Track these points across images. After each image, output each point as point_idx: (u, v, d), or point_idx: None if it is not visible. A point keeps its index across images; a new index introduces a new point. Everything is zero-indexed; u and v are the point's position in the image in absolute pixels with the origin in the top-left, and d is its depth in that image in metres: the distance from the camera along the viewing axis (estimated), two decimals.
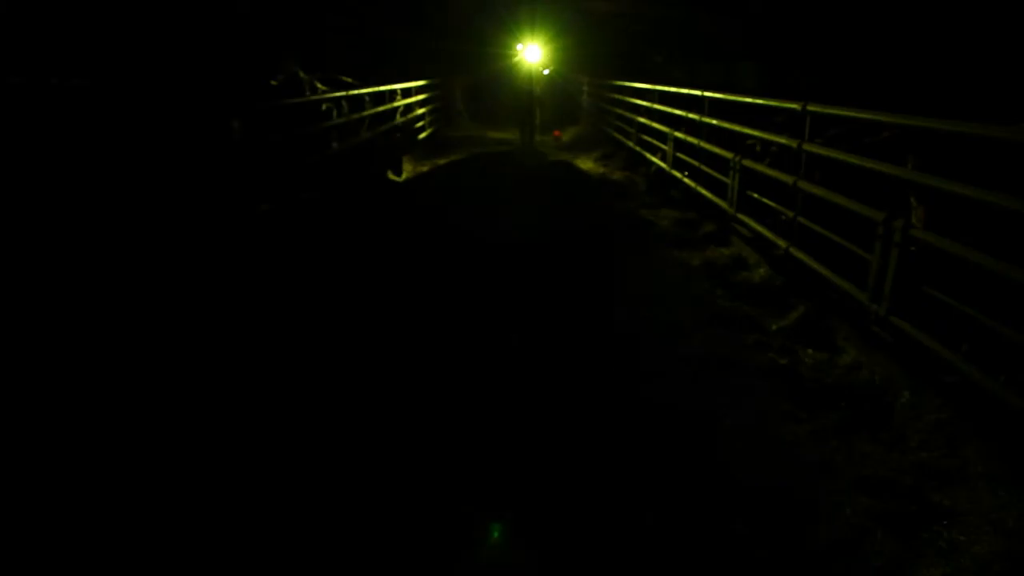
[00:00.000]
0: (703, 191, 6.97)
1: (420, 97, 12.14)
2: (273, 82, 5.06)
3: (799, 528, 2.40)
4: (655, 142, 9.44)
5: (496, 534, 2.40)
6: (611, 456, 2.87)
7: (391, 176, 9.35)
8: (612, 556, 2.27)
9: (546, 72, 10.93)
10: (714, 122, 6.78)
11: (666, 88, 9.05)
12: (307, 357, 3.77)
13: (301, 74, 6.23)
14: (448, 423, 3.11)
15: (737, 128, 6.10)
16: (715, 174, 6.70)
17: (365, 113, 7.80)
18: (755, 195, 5.74)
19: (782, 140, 5.04)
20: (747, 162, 5.83)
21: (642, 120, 10.23)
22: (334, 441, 2.94)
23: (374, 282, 5.12)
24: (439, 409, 3.23)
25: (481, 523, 2.45)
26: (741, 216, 5.90)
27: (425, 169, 10.94)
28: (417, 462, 2.79)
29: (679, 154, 8.12)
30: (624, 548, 2.30)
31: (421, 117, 11.96)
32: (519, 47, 11.08)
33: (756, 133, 5.67)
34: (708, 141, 6.95)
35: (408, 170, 10.26)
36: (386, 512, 2.47)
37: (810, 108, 4.64)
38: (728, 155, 6.20)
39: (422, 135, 11.92)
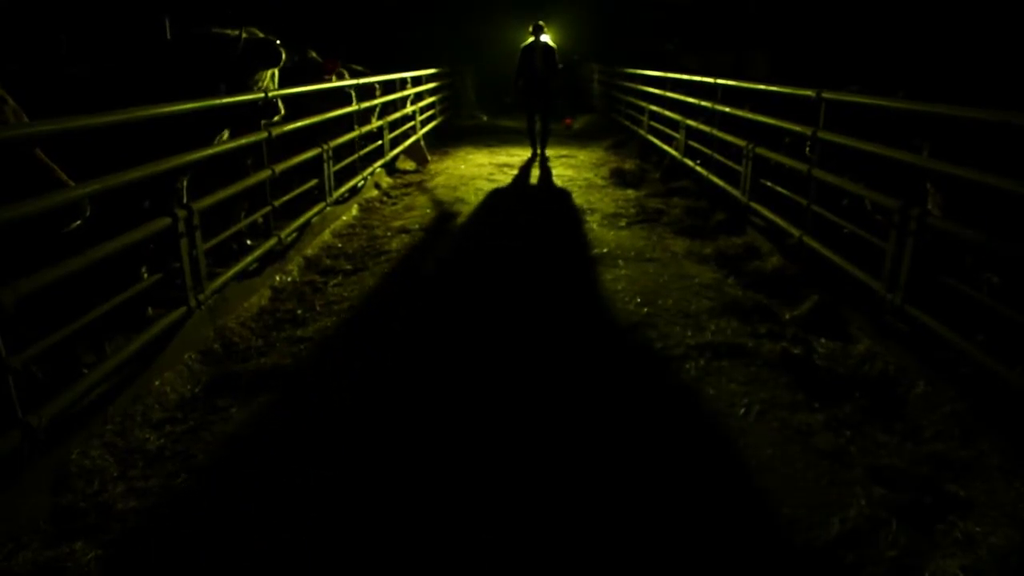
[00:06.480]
0: (716, 179, 6.92)
1: (430, 86, 12.06)
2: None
3: (812, 517, 2.39)
4: (667, 130, 9.36)
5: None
6: (620, 447, 2.86)
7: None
8: (616, 543, 2.27)
9: (561, 66, 10.77)
10: (727, 110, 6.71)
11: (678, 76, 8.96)
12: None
13: (312, 53, 6.26)
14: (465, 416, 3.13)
15: (750, 116, 6.03)
16: (728, 162, 6.65)
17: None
18: (768, 183, 5.69)
19: (796, 128, 4.99)
20: (760, 150, 5.78)
21: (653, 108, 10.15)
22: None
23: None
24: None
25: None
26: (754, 205, 5.85)
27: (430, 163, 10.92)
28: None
29: (691, 142, 8.06)
30: (625, 541, 2.30)
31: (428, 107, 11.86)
32: (531, 35, 10.97)
33: (770, 121, 5.61)
34: (721, 129, 6.89)
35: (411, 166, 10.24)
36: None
37: (825, 95, 4.58)
38: (741, 143, 6.14)
39: (431, 124, 11.86)
